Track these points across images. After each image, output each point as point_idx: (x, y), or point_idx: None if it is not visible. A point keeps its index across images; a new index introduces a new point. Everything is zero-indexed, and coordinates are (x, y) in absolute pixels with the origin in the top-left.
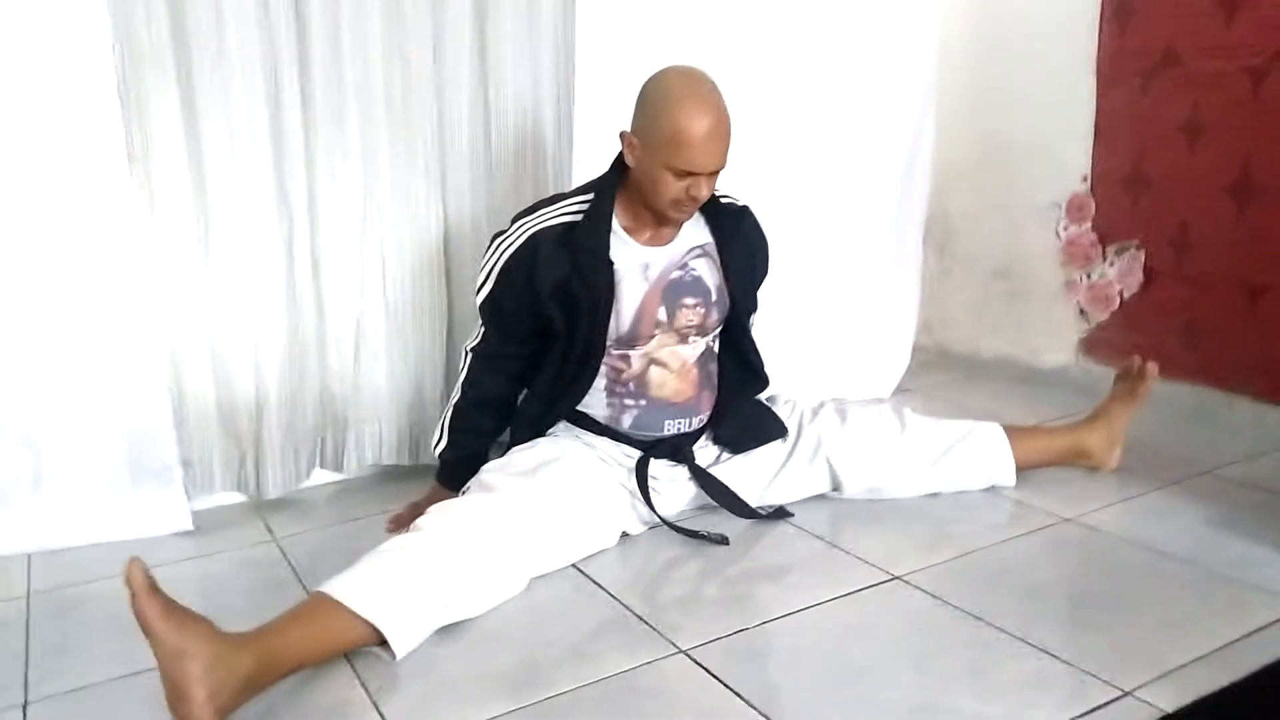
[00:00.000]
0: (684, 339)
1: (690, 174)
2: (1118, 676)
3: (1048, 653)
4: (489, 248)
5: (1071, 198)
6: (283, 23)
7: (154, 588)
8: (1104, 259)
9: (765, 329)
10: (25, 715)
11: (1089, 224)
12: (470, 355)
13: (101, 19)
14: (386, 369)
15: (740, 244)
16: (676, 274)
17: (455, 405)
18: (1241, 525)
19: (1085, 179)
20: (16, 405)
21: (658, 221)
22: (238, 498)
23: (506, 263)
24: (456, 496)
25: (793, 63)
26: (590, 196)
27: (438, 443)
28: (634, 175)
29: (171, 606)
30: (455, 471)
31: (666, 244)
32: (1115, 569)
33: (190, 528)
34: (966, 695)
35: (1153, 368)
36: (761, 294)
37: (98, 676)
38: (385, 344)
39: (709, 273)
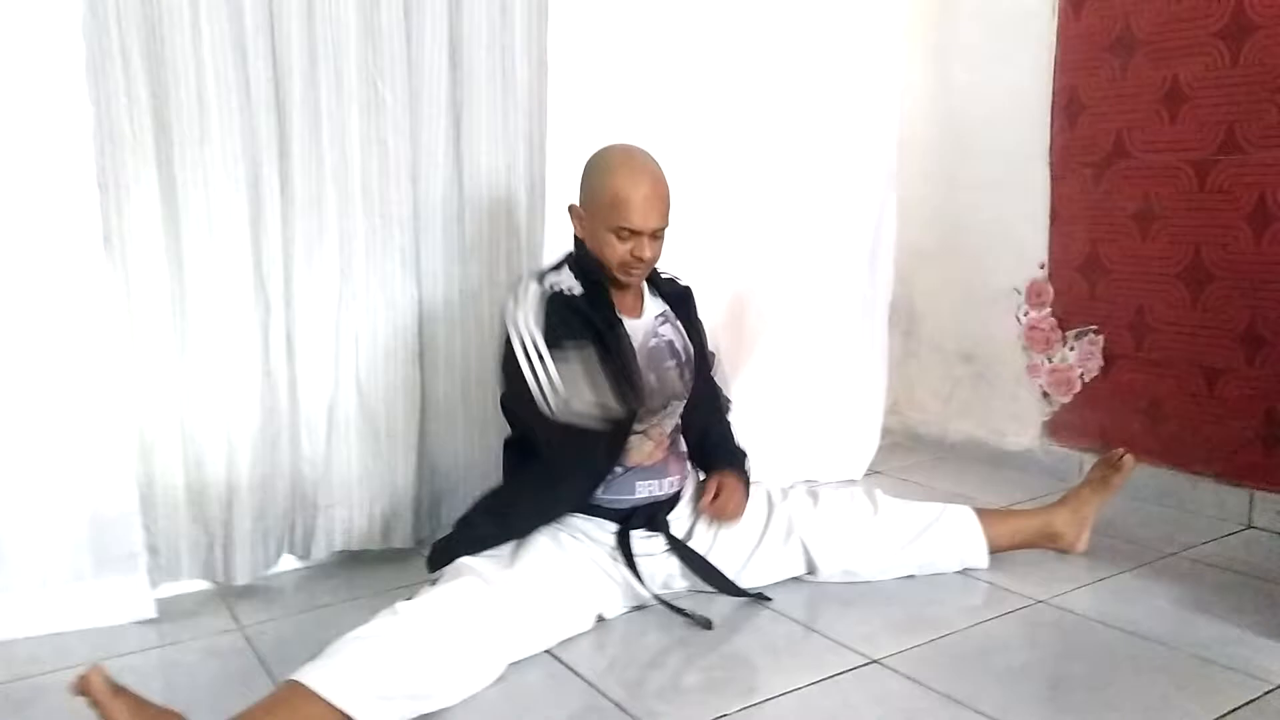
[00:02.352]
0: (667, 407)
1: (633, 234)
2: None
3: None
4: (507, 333)
5: (1030, 283)
6: (263, 110)
7: (118, 689)
8: (1064, 343)
9: (736, 409)
10: None
11: (1048, 309)
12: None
13: (83, 106)
14: (359, 452)
15: (690, 311)
16: (653, 341)
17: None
18: (1210, 606)
19: (1043, 266)
20: None
21: (624, 289)
22: (203, 585)
23: (546, 308)
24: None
25: (758, 146)
26: (564, 272)
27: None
28: (585, 245)
29: (140, 704)
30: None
31: (639, 315)
32: (1090, 651)
33: (154, 615)
34: None
35: (1129, 461)
36: (732, 374)
37: None
38: (358, 426)
39: (675, 335)
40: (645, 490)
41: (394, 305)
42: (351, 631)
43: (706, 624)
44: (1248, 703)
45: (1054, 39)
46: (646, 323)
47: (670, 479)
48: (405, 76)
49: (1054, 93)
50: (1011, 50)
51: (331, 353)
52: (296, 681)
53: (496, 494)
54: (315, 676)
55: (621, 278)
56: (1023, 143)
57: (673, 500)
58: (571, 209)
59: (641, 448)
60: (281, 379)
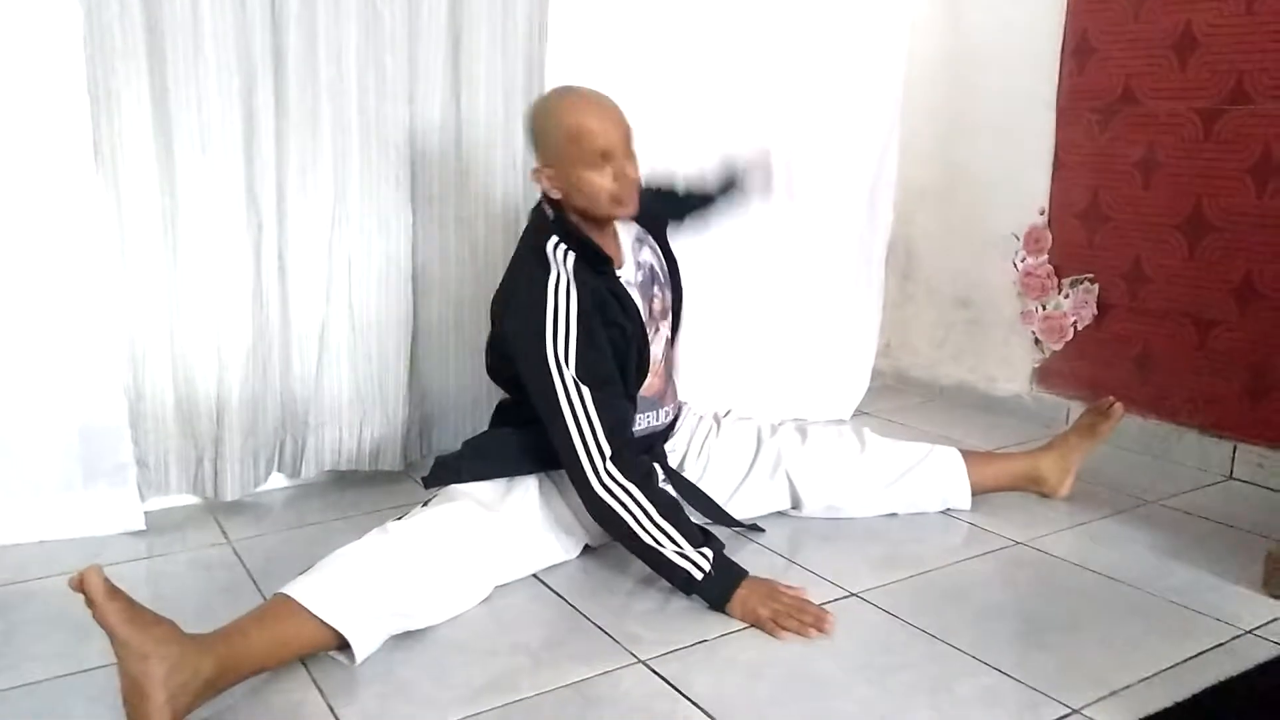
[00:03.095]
0: (656, 329)
1: (608, 156)
2: (1066, 695)
3: (1000, 670)
4: (524, 300)
5: (1029, 229)
6: (259, 22)
7: (114, 591)
8: (1059, 291)
9: (727, 347)
10: None
11: (1045, 256)
12: (596, 433)
13: (74, 14)
14: (350, 374)
15: (659, 226)
16: (639, 275)
17: (641, 502)
18: (1186, 553)
19: (1043, 212)
20: None
21: (605, 233)
22: (192, 499)
23: (579, 307)
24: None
25: (760, 81)
26: (557, 237)
27: (686, 559)
28: (565, 203)
29: (134, 608)
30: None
31: (623, 257)
32: (1065, 592)
33: (143, 527)
34: (922, 709)
35: (1118, 410)
36: (723, 309)
37: (45, 674)
38: (349, 349)
39: (653, 258)
40: (644, 422)
41: (388, 229)
42: (341, 548)
43: (758, 529)
44: (1217, 646)
45: None
46: (631, 261)
47: (666, 408)
48: None
49: (1064, 35)
50: None
51: (324, 274)
52: (285, 595)
53: (499, 438)
54: (304, 591)
55: (618, 211)
56: (1030, 85)
57: (668, 429)
58: (536, 173)
59: (651, 380)
60: (273, 298)
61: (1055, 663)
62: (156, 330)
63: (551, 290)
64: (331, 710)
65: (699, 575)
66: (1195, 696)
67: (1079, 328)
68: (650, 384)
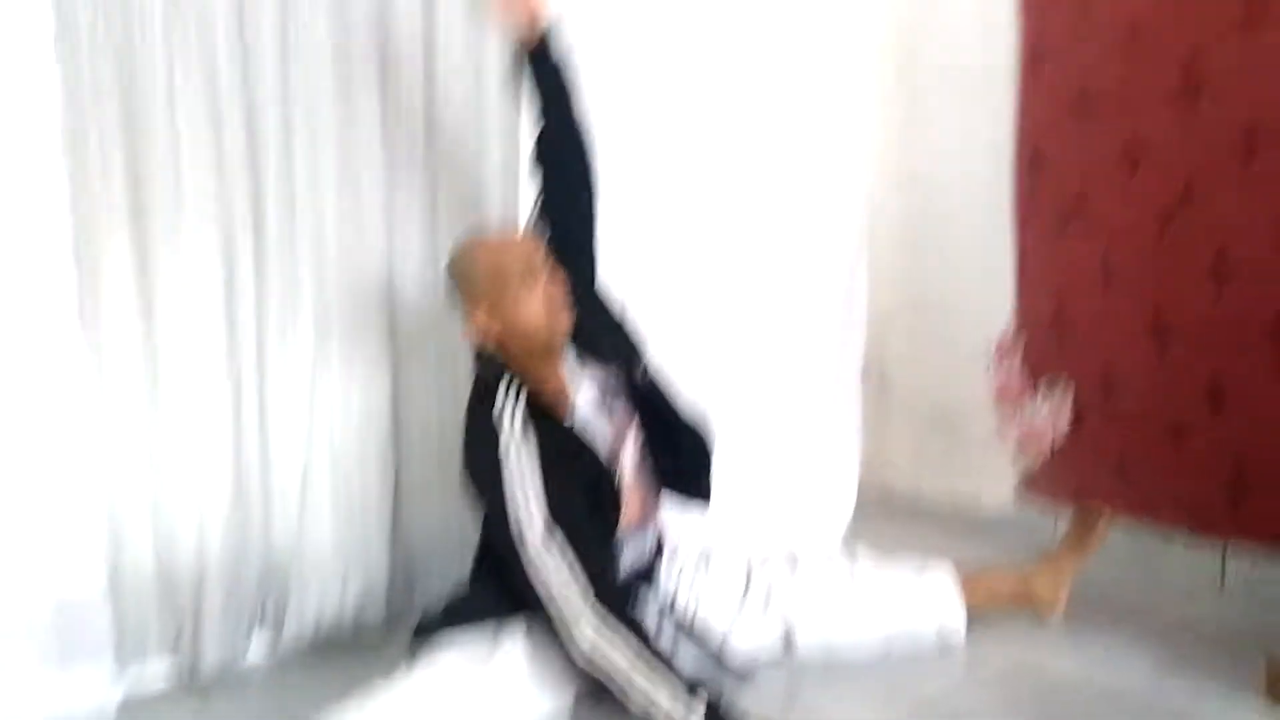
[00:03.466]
0: (622, 443)
1: (530, 275)
2: None
3: None
4: (483, 472)
5: (1000, 340)
6: (239, 183)
7: None
8: (1034, 400)
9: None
10: None
11: (1017, 366)
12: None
13: (60, 182)
14: (331, 521)
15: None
16: (591, 396)
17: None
18: (1186, 666)
19: (1011, 323)
20: None
21: (550, 366)
22: (171, 679)
23: (537, 467)
24: None
25: (729, 205)
26: (501, 399)
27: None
28: (509, 348)
29: None
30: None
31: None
32: (1070, 714)
33: (113, 711)
34: None
35: (1105, 522)
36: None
37: None
38: (330, 495)
39: (590, 382)
40: (633, 555)
41: (370, 370)
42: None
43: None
44: None
45: (1016, 96)
46: (580, 384)
47: (648, 529)
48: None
49: (1018, 146)
50: (975, 107)
51: (305, 421)
52: None
53: (480, 596)
54: None
55: (559, 330)
56: (988, 198)
57: (655, 559)
58: (471, 329)
59: (629, 501)
60: (253, 449)
61: None
62: (137, 495)
63: (505, 458)
64: None
65: None
66: None
67: (1057, 436)
68: (636, 511)
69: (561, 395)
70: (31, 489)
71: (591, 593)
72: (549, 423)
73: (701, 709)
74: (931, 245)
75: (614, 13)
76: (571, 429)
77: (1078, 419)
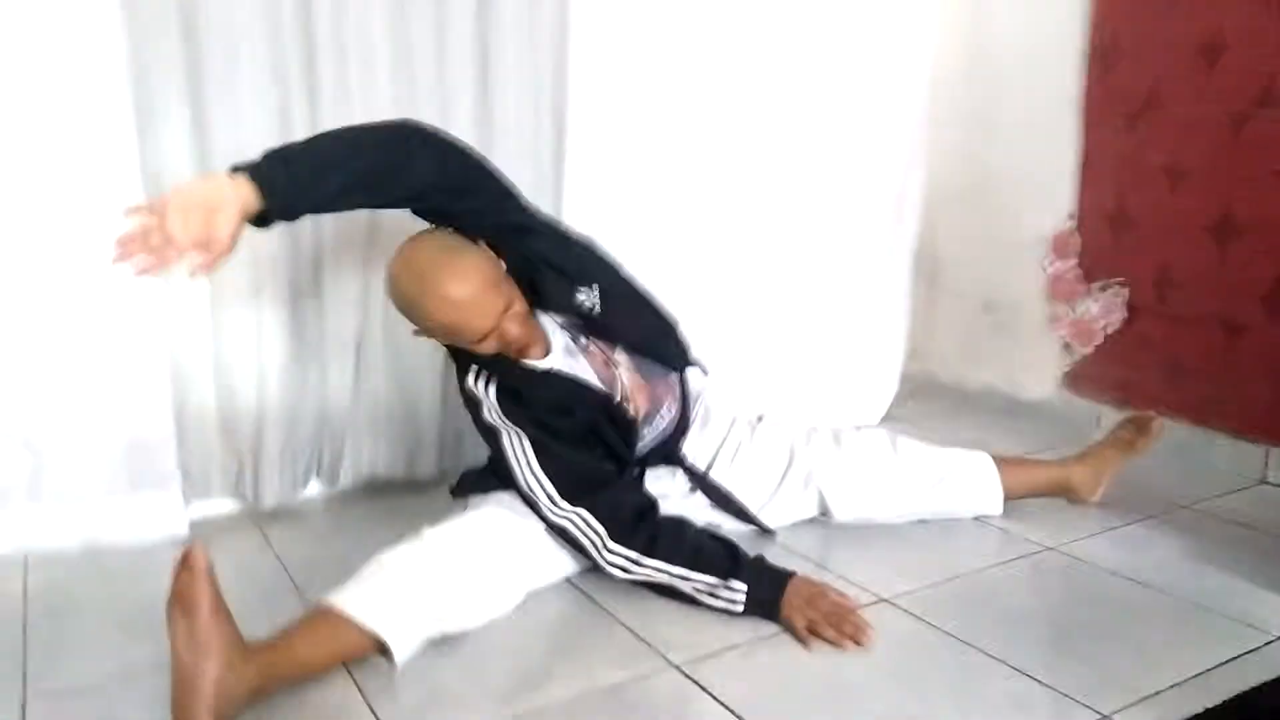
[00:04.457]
0: (613, 369)
1: (485, 335)
2: (1096, 700)
3: (1029, 676)
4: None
5: (1057, 234)
6: (291, 45)
7: (212, 573)
8: (1088, 295)
9: (756, 351)
10: (24, 712)
11: (1074, 260)
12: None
13: (119, 42)
14: (385, 386)
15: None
16: (566, 337)
17: (654, 566)
18: (1217, 558)
19: (1071, 216)
20: (19, 408)
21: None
22: (234, 506)
23: (528, 434)
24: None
25: (789, 84)
26: (474, 369)
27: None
28: None
29: (219, 600)
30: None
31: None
32: (1096, 597)
33: (186, 534)
34: (951, 713)
35: (1158, 427)
36: (752, 314)
37: (95, 676)
38: (384, 361)
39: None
40: (650, 436)
41: None
42: (378, 556)
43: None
44: (1248, 652)
45: None
46: (552, 330)
47: (664, 408)
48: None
49: (1091, 36)
50: None
51: (360, 287)
52: (327, 604)
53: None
54: (345, 599)
55: (514, 351)
56: (1057, 88)
57: (680, 427)
58: (417, 332)
59: (637, 402)
60: (310, 310)
61: (1085, 668)
62: (198, 347)
63: (502, 447)
64: (372, 710)
65: (739, 608)
66: (1225, 703)
67: (1109, 331)
68: (640, 398)
69: (536, 350)
70: (101, 336)
71: (609, 539)
72: (530, 385)
73: (742, 592)
74: (995, 133)
75: None
76: (553, 376)
77: (1130, 317)
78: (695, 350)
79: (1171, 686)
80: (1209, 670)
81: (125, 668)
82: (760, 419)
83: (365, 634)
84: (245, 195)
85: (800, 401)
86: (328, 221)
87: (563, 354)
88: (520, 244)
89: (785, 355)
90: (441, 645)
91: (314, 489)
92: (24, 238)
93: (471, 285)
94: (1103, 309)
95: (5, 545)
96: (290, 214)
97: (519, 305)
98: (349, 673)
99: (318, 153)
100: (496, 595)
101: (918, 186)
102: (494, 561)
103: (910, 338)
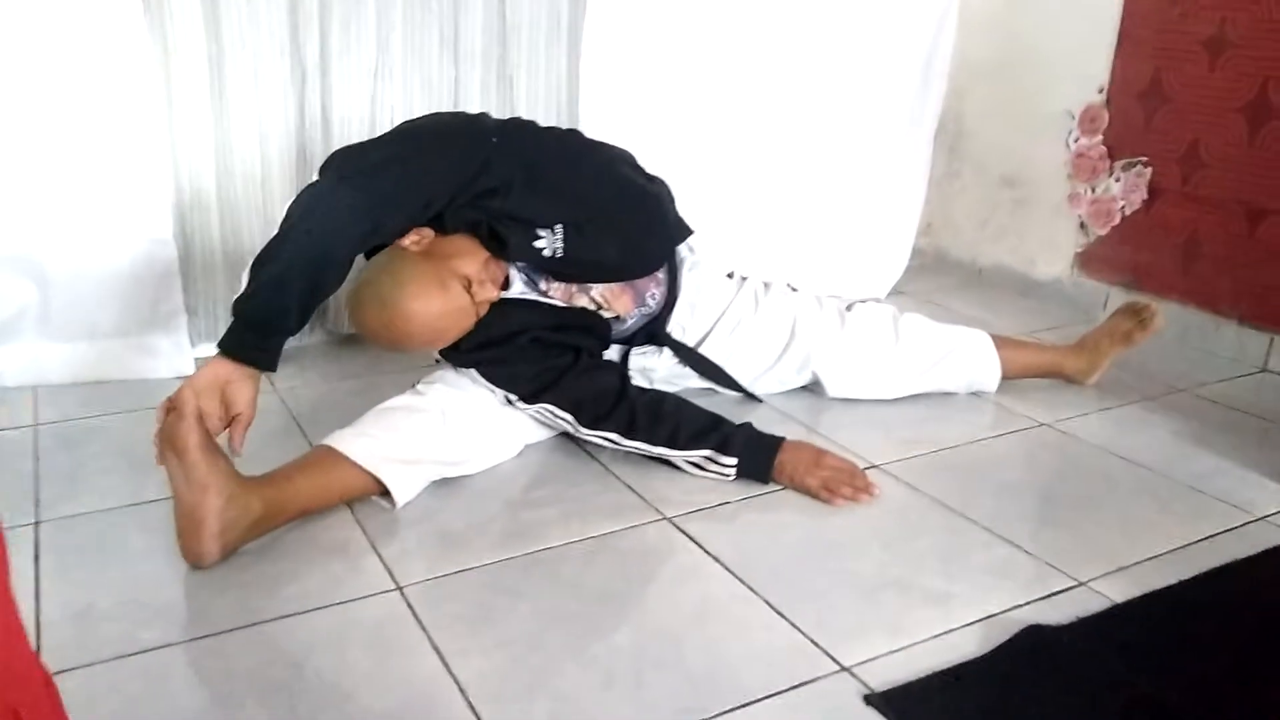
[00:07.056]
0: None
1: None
2: (1075, 569)
3: (1013, 543)
4: None
5: (1085, 108)
6: (304, 27)
7: (199, 416)
8: (1110, 173)
9: (768, 216)
10: (38, 532)
11: (1100, 137)
12: None
13: None
14: None
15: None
16: (524, 272)
17: (633, 445)
18: (1210, 441)
19: (1102, 90)
20: (27, 244)
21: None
22: None
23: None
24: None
25: None
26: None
27: None
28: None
29: (209, 439)
30: None
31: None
32: (1085, 472)
33: (193, 372)
34: (934, 575)
35: (1159, 322)
36: (766, 179)
37: (105, 503)
38: None
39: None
40: (634, 320)
41: (430, 85)
42: (380, 404)
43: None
44: (1229, 529)
45: None
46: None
47: (650, 294)
48: None
49: None
50: None
51: (367, 129)
52: (329, 446)
53: None
54: (346, 441)
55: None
56: None
57: (667, 305)
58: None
59: (616, 308)
60: (317, 149)
61: (1068, 538)
62: (204, 181)
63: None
64: (374, 548)
65: (730, 475)
66: (1200, 575)
67: (1126, 212)
68: (620, 303)
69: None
70: (106, 171)
71: (580, 425)
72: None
73: (732, 460)
74: (1029, 1)
75: None
76: (508, 303)
77: (1150, 198)
78: (690, 211)
79: (1150, 559)
80: (1188, 545)
81: (134, 495)
82: (767, 287)
83: (366, 475)
84: (231, 367)
85: (810, 268)
86: (334, 55)
87: (521, 287)
88: (477, 210)
89: (800, 222)
90: (442, 489)
91: (317, 335)
92: (30, 80)
93: (427, 329)
94: (1124, 189)
95: (15, 377)
96: (276, 347)
97: (474, 276)
98: (351, 512)
99: (262, 284)
100: (495, 442)
101: (946, 56)
102: (492, 409)
103: (926, 211)
